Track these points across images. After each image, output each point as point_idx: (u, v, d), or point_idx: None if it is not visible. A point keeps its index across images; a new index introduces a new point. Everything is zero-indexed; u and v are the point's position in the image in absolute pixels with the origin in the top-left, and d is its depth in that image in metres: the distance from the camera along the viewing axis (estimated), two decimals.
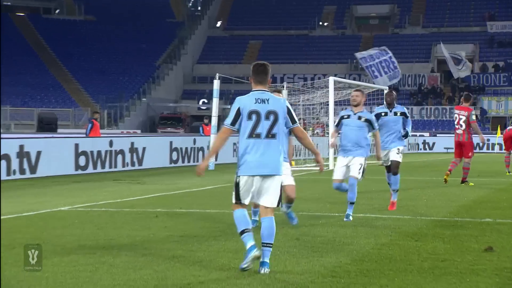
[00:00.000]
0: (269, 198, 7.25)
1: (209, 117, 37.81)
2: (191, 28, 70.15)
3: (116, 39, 66.29)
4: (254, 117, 7.11)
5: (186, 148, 27.64)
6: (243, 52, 69.09)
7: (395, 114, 12.74)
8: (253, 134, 7.13)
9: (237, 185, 7.25)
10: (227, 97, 63.89)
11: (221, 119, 54.61)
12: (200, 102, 63.97)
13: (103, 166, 22.66)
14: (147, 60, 64.29)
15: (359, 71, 61.63)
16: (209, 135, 30.72)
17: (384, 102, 13.23)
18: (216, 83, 24.56)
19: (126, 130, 49.13)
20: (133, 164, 24.28)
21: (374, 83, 50.25)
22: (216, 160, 25.29)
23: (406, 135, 12.84)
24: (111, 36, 66.79)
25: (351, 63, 63.90)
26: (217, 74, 24.89)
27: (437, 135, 50.97)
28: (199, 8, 75.43)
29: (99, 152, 22.55)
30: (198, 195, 15.69)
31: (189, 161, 27.57)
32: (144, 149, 24.84)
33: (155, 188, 17.42)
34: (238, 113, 7.14)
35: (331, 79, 24.23)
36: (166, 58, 66.72)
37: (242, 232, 7.16)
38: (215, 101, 24.67)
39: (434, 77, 61.70)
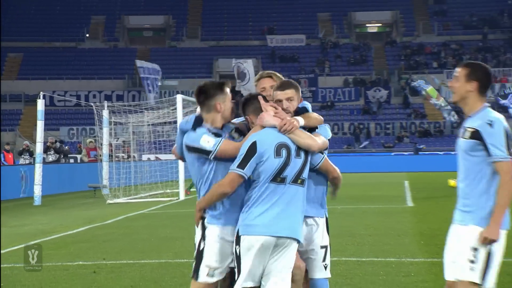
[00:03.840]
0: (281, 278, 5.46)
1: (10, 143, 35.09)
2: None
3: None
4: (284, 153, 5.48)
5: None
6: (1, 66, 65.10)
7: None
8: (278, 178, 5.44)
9: (237, 256, 5.44)
10: None
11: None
12: None
13: None
14: None
15: (138, 87, 60.83)
16: (12, 164, 28.38)
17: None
18: (40, 103, 22.55)
19: None
20: None
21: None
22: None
23: None
24: None
25: (128, 78, 62.80)
26: (41, 92, 22.86)
27: None
28: None
29: None
30: (90, 240, 13.95)
31: None
32: None
33: (16, 232, 15.35)
34: (252, 152, 5.42)
35: (179, 97, 23.24)
36: None
37: None
38: (40, 124, 22.60)
39: None
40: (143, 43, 69.39)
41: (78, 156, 35.75)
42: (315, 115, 5.85)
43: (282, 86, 5.75)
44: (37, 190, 22.58)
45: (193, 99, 27.26)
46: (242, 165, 5.36)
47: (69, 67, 64.27)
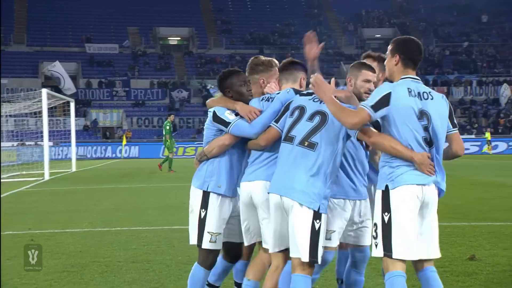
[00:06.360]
0: (296, 244, 4.27)
1: None
2: None
3: None
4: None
5: None
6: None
7: None
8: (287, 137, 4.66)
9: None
10: None
11: None
12: None
13: None
14: None
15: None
16: None
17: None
18: None
19: None
20: None
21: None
22: None
23: None
24: None
25: None
26: None
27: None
28: None
29: None
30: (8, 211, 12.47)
31: None
32: None
33: None
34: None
35: (44, 91, 21.58)
36: None
37: None
38: None
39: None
40: None
41: None
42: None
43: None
44: None
45: (56, 94, 25.27)
46: None
47: None
